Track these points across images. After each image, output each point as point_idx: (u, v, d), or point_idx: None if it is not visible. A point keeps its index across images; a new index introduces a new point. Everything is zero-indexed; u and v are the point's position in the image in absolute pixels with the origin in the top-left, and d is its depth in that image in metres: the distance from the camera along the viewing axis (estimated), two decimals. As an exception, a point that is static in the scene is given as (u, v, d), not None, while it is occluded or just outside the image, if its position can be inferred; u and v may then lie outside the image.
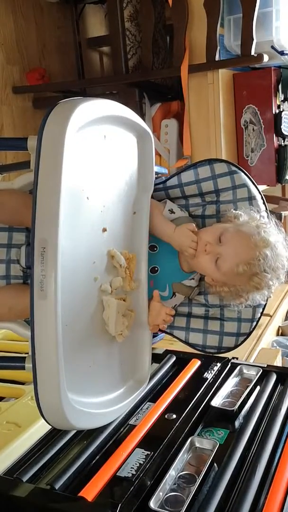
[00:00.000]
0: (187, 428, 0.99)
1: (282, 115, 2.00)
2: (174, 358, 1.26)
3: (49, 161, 0.75)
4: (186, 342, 1.09)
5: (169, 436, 0.96)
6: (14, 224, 1.01)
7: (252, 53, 1.85)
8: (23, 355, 0.89)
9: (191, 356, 1.23)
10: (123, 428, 1.00)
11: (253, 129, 2.04)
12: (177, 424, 1.00)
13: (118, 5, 2.08)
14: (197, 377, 1.17)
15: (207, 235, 1.00)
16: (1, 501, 0.85)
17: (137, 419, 1.02)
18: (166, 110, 2.24)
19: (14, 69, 2.29)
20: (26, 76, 2.33)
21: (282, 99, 2.05)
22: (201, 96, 1.97)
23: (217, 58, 1.92)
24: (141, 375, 1.04)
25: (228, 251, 0.97)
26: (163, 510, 0.79)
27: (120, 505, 0.79)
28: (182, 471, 0.88)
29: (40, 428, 0.98)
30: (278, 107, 2.03)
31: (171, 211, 1.06)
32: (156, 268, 1.07)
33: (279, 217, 2.12)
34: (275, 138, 2.02)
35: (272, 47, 1.91)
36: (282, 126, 2.01)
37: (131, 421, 1.02)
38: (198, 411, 1.04)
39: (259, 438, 0.97)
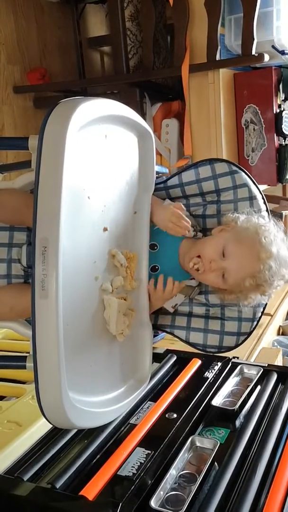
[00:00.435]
0: (188, 428, 0.99)
1: (282, 115, 2.00)
2: (174, 358, 1.26)
3: (50, 161, 0.75)
4: (186, 342, 1.09)
5: (169, 435, 0.96)
6: (15, 223, 1.01)
7: (253, 52, 1.84)
8: (24, 354, 0.89)
9: (192, 355, 1.23)
10: (124, 427, 1.00)
11: (253, 128, 2.04)
12: (177, 423, 1.00)
13: (119, 4, 2.08)
14: (198, 377, 1.17)
15: (210, 252, 0.99)
16: (2, 500, 0.85)
17: (137, 418, 1.02)
18: (166, 110, 2.24)
19: (15, 69, 2.29)
20: (27, 75, 2.34)
21: (283, 98, 2.05)
22: (201, 96, 1.97)
23: (217, 57, 1.92)
24: (141, 375, 1.04)
25: (233, 266, 0.97)
26: (164, 509, 0.79)
27: (121, 504, 0.79)
28: (182, 470, 0.88)
29: (41, 427, 0.98)
30: (279, 106, 2.03)
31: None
32: (157, 267, 1.07)
33: (279, 216, 2.12)
34: (275, 138, 2.02)
35: (273, 46, 1.91)
36: (282, 126, 2.01)
37: (132, 420, 1.02)
38: (199, 411, 1.04)
39: (260, 437, 0.97)
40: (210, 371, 1.19)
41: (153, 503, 0.79)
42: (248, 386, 1.11)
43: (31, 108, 2.36)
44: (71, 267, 0.80)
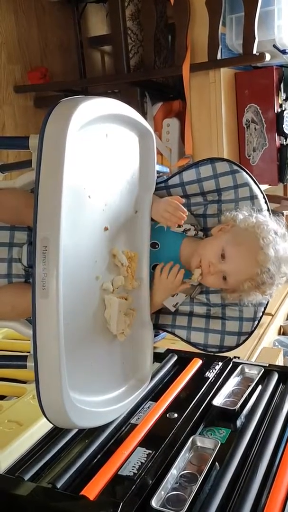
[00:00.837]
0: (189, 427, 0.99)
1: (284, 114, 2.00)
2: (175, 357, 1.26)
3: (50, 160, 0.75)
4: (187, 341, 1.09)
5: (170, 435, 0.96)
6: (16, 223, 1.01)
7: (254, 52, 1.84)
8: (25, 354, 0.89)
9: (193, 355, 1.23)
10: (125, 427, 1.00)
11: (255, 128, 2.04)
12: (178, 423, 1.00)
13: (120, 4, 2.08)
14: (199, 376, 1.17)
15: (208, 255, 0.99)
16: (3, 499, 0.85)
17: (138, 418, 1.02)
18: (167, 109, 2.24)
19: (15, 68, 2.28)
20: (28, 75, 2.33)
21: (284, 98, 2.04)
22: (202, 95, 1.97)
23: (219, 57, 1.92)
24: (142, 374, 1.04)
25: (232, 269, 0.97)
26: (165, 509, 0.79)
27: (121, 504, 0.79)
28: (183, 470, 0.88)
29: (41, 427, 0.98)
30: (280, 106, 2.02)
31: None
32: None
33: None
34: (277, 137, 2.02)
35: (274, 46, 1.90)
36: (284, 125, 2.00)
37: (133, 420, 1.02)
38: (200, 410, 1.04)
39: (261, 437, 0.97)
40: (211, 371, 1.19)
41: (154, 503, 0.79)
42: (249, 386, 1.11)
43: (32, 108, 2.36)
44: (71, 266, 0.80)
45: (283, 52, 1.92)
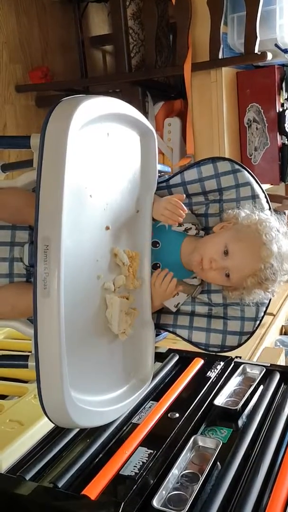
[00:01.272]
0: (190, 427, 0.98)
1: (285, 114, 1.99)
2: (177, 357, 1.26)
3: (52, 159, 0.74)
4: (189, 341, 1.09)
5: (172, 434, 0.96)
6: (17, 222, 1.01)
7: (256, 51, 1.84)
8: (26, 353, 0.89)
9: (194, 355, 1.23)
10: (126, 426, 1.00)
11: (256, 127, 2.03)
12: (180, 423, 1.00)
13: (121, 3, 2.07)
14: (200, 376, 1.17)
15: (210, 251, 0.99)
16: (4, 499, 0.85)
17: (140, 418, 1.02)
18: (169, 109, 2.24)
19: (17, 68, 2.29)
20: (29, 74, 2.33)
21: (286, 97, 2.04)
22: (204, 95, 1.96)
23: (220, 56, 1.91)
24: (144, 374, 1.04)
25: (234, 265, 0.97)
26: (166, 509, 0.79)
27: (123, 503, 0.79)
28: (185, 470, 0.88)
29: (43, 426, 0.98)
30: (282, 105, 2.02)
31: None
32: (158, 265, 1.07)
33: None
34: (278, 137, 2.02)
35: (276, 45, 1.90)
36: (285, 125, 2.00)
37: (134, 420, 1.01)
38: (201, 410, 1.04)
39: (263, 437, 0.96)
40: (212, 370, 1.18)
41: (155, 502, 0.79)
42: (251, 385, 1.11)
43: (33, 107, 2.36)
44: (73, 265, 0.80)
45: (285, 51, 1.91)
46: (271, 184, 2.08)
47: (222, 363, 1.21)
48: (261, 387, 1.12)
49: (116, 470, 0.87)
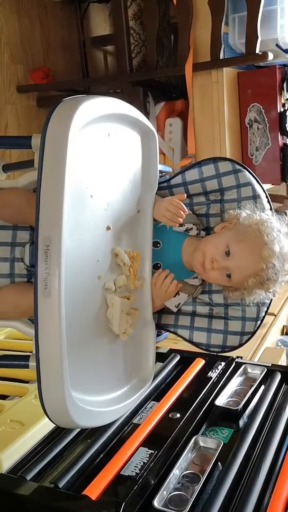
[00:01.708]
0: (191, 427, 0.98)
1: (287, 114, 1.99)
2: (178, 357, 1.26)
3: (52, 159, 0.74)
4: (190, 341, 1.09)
5: (173, 435, 0.96)
6: (18, 222, 1.01)
7: (257, 51, 1.84)
8: (27, 353, 0.89)
9: (195, 355, 1.23)
10: (127, 426, 0.99)
11: (257, 127, 2.03)
12: (181, 423, 1.00)
13: (122, 3, 2.08)
14: (201, 376, 1.17)
15: (212, 250, 0.99)
16: (5, 499, 0.85)
17: (141, 418, 1.02)
18: (170, 109, 2.24)
19: (18, 68, 2.29)
20: (30, 75, 2.34)
21: (287, 97, 2.04)
22: (205, 95, 1.96)
23: (221, 56, 1.91)
24: (145, 374, 1.04)
25: (236, 265, 0.97)
26: (167, 509, 0.79)
27: (124, 504, 0.79)
28: (186, 470, 0.88)
29: (44, 427, 0.98)
30: (283, 105, 2.02)
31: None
32: (159, 265, 1.07)
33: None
34: (280, 137, 2.02)
35: (277, 45, 1.90)
36: (287, 125, 2.00)
37: (135, 420, 1.01)
38: (202, 410, 1.04)
39: (264, 437, 0.96)
40: (213, 370, 1.18)
41: (156, 503, 0.79)
42: (252, 386, 1.10)
43: (35, 108, 2.36)
44: (74, 265, 0.80)
45: (286, 51, 1.91)
46: (272, 184, 2.08)
47: (223, 363, 1.20)
48: (262, 387, 1.12)
49: (117, 470, 0.87)
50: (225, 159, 1.06)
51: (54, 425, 0.89)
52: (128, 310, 0.97)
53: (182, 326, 1.09)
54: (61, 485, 0.84)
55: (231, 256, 0.97)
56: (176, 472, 0.86)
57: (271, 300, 1.06)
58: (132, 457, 0.90)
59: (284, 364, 1.70)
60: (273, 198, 1.10)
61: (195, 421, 1.00)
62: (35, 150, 0.89)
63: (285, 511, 0.79)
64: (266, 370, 1.16)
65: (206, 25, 1.91)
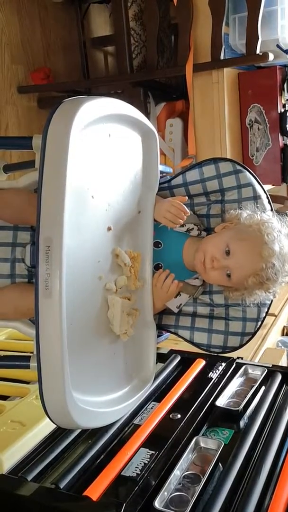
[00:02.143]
0: (192, 428, 0.98)
1: (287, 114, 1.99)
2: (179, 358, 1.26)
3: (53, 160, 0.75)
4: (191, 342, 1.09)
5: (173, 435, 0.96)
6: (19, 223, 1.01)
7: (257, 51, 1.84)
8: (28, 354, 0.89)
9: (196, 355, 1.23)
10: (128, 427, 0.99)
11: (258, 128, 2.03)
12: (181, 423, 1.00)
13: (123, 4, 2.08)
14: (202, 377, 1.17)
15: (212, 250, 0.99)
16: (6, 500, 0.85)
17: (141, 419, 1.02)
18: (171, 110, 2.24)
19: (19, 69, 2.29)
20: (31, 75, 2.34)
21: (288, 98, 2.04)
22: (206, 95, 1.96)
23: (222, 57, 1.91)
24: (146, 375, 1.04)
25: (236, 265, 0.97)
26: (168, 510, 0.79)
27: (124, 504, 0.79)
28: (187, 471, 0.88)
29: (44, 427, 0.98)
30: (284, 106, 2.02)
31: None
32: (160, 265, 1.07)
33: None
34: (280, 138, 2.02)
35: (277, 45, 1.90)
36: (287, 125, 2.00)
37: (136, 421, 1.01)
38: (203, 411, 1.04)
39: (264, 438, 0.96)
40: (214, 371, 1.18)
41: (157, 503, 0.79)
42: (253, 386, 1.10)
43: (35, 108, 2.36)
44: (74, 266, 0.80)
45: (286, 51, 1.91)
46: (273, 185, 2.08)
47: (223, 364, 1.20)
48: (263, 388, 1.12)
49: (117, 471, 0.87)
50: (225, 159, 1.06)
51: (55, 426, 0.89)
52: (129, 310, 0.97)
53: (183, 326, 1.09)
54: (62, 485, 0.84)
55: (231, 255, 0.97)
56: (176, 472, 0.86)
57: (272, 300, 1.06)
58: (133, 458, 0.90)
59: (285, 365, 1.70)
60: (273, 198, 1.10)
61: (196, 421, 1.00)
62: (36, 150, 0.89)
63: (286, 512, 0.79)
64: (266, 371, 1.16)
65: (206, 25, 1.91)
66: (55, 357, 0.73)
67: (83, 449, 0.93)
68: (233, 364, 1.21)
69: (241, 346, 1.07)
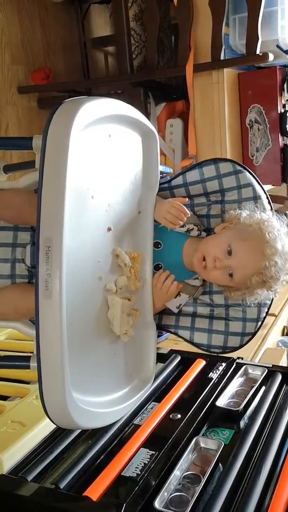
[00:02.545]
0: (192, 428, 0.98)
1: (287, 115, 1.99)
2: (179, 358, 1.26)
3: (54, 160, 0.75)
4: (191, 342, 1.09)
5: (173, 436, 0.96)
6: (19, 223, 1.01)
7: (257, 52, 1.84)
8: (28, 354, 0.89)
9: (196, 356, 1.23)
10: (128, 427, 0.99)
11: (258, 128, 2.03)
12: (182, 424, 1.00)
13: (123, 4, 2.08)
14: (202, 377, 1.17)
15: (214, 249, 0.99)
16: (6, 500, 0.85)
17: (141, 419, 1.02)
18: (171, 110, 2.24)
19: (19, 69, 2.29)
20: (31, 76, 2.34)
21: (288, 98, 2.04)
22: (206, 96, 1.96)
23: (222, 57, 1.92)
24: (146, 375, 1.04)
25: (238, 264, 0.98)
26: (168, 510, 0.79)
27: (124, 505, 0.79)
28: (187, 471, 0.88)
29: (44, 428, 0.98)
30: (284, 106, 2.02)
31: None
32: (160, 265, 1.07)
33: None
34: (280, 138, 2.02)
35: (277, 46, 1.90)
36: (287, 126, 2.00)
37: (136, 421, 1.01)
38: (203, 411, 1.04)
39: (264, 438, 0.96)
40: (214, 371, 1.18)
41: (157, 504, 0.79)
42: (253, 386, 1.10)
43: (35, 109, 2.36)
44: (74, 266, 0.80)
45: (287, 52, 1.91)
46: (273, 185, 2.08)
47: (224, 364, 1.20)
48: (263, 388, 1.12)
49: (117, 472, 0.87)
50: (225, 160, 1.06)
51: (55, 426, 0.89)
52: (129, 311, 0.97)
53: (183, 327, 1.09)
54: (62, 486, 0.84)
55: (233, 255, 0.98)
56: (177, 473, 0.86)
57: (272, 300, 1.06)
58: (133, 458, 0.90)
59: (285, 365, 1.70)
60: (273, 199, 1.10)
61: (196, 422, 1.00)
62: (36, 151, 0.89)
63: (286, 512, 0.79)
64: (266, 371, 1.16)
65: (206, 26, 1.91)
66: (55, 357, 0.73)
67: (83, 449, 0.93)
68: (233, 364, 1.21)
69: (241, 346, 1.07)
